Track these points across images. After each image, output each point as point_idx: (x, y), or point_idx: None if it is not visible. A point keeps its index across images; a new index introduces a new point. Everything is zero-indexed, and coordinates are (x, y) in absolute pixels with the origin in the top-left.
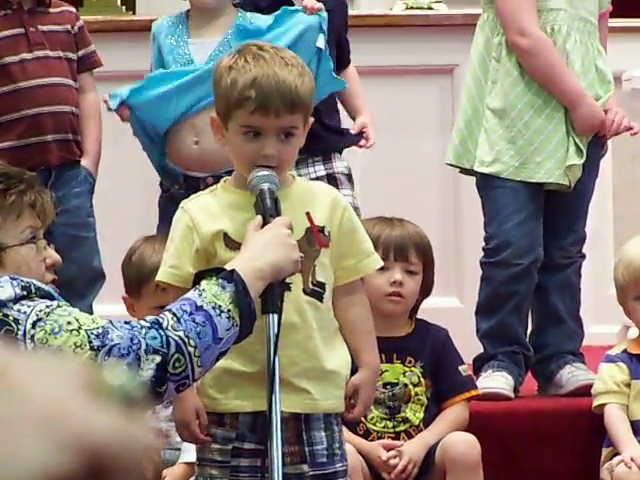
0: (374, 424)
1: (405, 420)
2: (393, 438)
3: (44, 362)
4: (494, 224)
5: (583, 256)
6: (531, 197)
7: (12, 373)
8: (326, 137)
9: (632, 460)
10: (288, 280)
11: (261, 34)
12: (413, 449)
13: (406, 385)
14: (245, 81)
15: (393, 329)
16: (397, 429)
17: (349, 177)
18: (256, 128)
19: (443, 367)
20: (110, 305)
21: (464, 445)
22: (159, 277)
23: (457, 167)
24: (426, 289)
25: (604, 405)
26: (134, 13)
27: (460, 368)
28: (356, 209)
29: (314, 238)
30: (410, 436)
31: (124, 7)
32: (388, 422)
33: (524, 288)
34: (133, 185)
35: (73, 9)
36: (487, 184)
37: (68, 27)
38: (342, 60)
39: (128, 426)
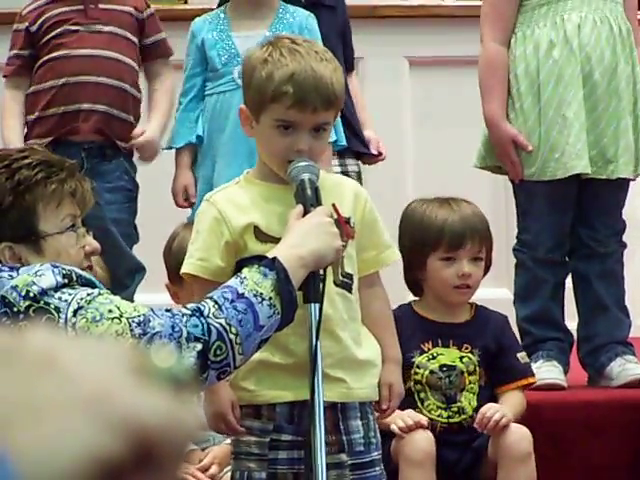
0: (429, 411)
1: (461, 411)
2: (445, 429)
3: (91, 345)
4: (526, 219)
5: (623, 245)
6: (558, 190)
7: (59, 356)
8: (353, 140)
9: None
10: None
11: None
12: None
13: (462, 372)
14: (282, 75)
15: (453, 315)
16: (451, 420)
17: (359, 176)
18: (291, 123)
19: (502, 353)
20: (151, 294)
21: (515, 436)
22: (186, 269)
23: (482, 168)
24: (487, 269)
25: None
26: (186, 2)
27: (519, 355)
28: None
29: (342, 229)
30: (463, 428)
31: None
32: (443, 412)
33: (558, 276)
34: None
35: None
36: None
37: (132, 10)
38: (346, 64)
39: (176, 409)
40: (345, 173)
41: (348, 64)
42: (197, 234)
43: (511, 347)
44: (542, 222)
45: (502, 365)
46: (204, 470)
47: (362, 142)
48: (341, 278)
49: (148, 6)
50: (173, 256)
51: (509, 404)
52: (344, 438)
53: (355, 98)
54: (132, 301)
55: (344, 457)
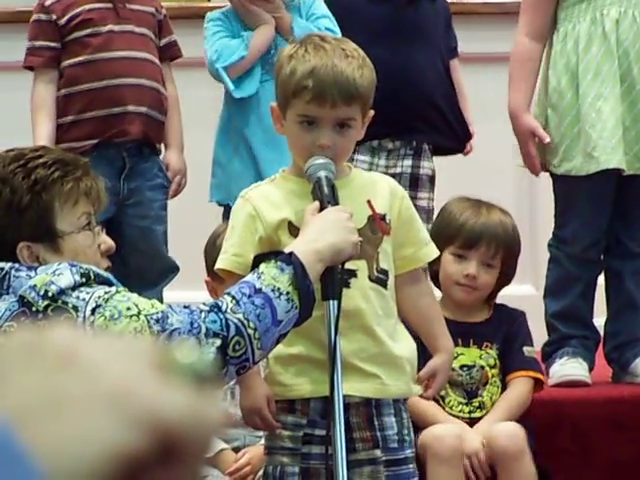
0: (451, 407)
1: (481, 406)
2: (468, 424)
3: (113, 341)
4: (565, 216)
5: None
6: (598, 187)
7: (81, 352)
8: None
9: None
10: (353, 267)
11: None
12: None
13: (483, 367)
14: (304, 70)
15: (470, 314)
16: (472, 415)
17: (432, 180)
18: (312, 118)
19: (509, 345)
20: (180, 292)
21: (505, 436)
22: (220, 265)
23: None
24: (505, 280)
25: None
26: (209, 0)
27: (524, 348)
28: (430, 211)
29: (376, 225)
30: None
31: None
32: (464, 407)
33: (591, 274)
34: (205, 172)
35: None
36: (556, 177)
37: (153, 10)
38: (452, 50)
39: (199, 404)
40: (416, 175)
41: (454, 50)
42: (232, 230)
43: (518, 339)
44: (581, 219)
45: (505, 356)
46: (238, 471)
47: (457, 135)
48: (376, 274)
49: (162, 7)
50: (217, 252)
51: (507, 397)
52: (378, 434)
53: (458, 87)
54: (161, 299)
55: (378, 453)
